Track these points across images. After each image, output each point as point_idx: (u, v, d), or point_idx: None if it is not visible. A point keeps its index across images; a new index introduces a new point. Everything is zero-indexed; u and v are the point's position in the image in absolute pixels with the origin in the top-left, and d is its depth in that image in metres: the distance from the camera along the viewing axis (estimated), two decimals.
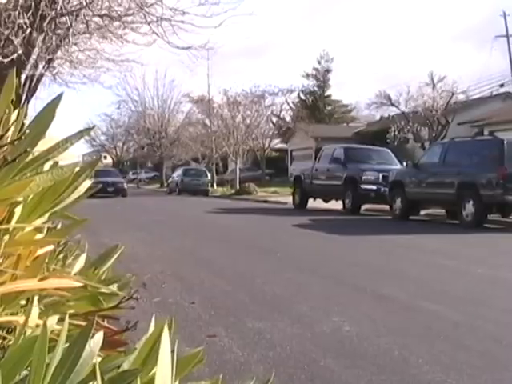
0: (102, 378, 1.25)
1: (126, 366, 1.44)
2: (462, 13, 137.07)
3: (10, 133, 1.56)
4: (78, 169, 1.62)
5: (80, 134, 1.61)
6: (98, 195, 35.04)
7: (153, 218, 22.57)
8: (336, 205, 25.94)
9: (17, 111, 1.69)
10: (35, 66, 15.18)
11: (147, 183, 77.03)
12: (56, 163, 1.65)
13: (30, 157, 1.55)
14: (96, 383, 1.20)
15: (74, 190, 1.63)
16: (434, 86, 43.68)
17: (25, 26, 12.99)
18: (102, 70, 20.15)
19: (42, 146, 1.59)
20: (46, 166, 1.61)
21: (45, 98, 19.59)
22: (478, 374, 5.26)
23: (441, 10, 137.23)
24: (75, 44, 17.00)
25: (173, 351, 1.28)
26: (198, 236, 16.28)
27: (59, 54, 17.02)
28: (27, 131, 1.53)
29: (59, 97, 1.62)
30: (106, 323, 1.73)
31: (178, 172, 51.50)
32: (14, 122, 1.60)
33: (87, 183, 1.70)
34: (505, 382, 5.09)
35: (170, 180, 53.44)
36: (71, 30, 14.52)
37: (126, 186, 45.06)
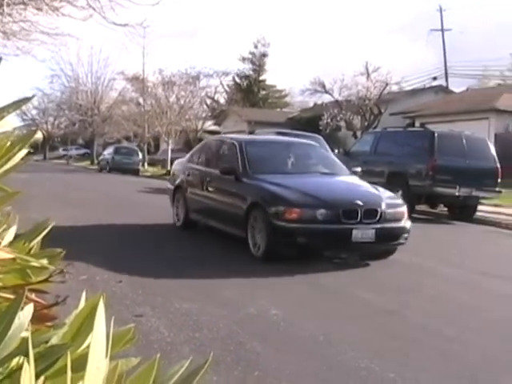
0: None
1: (54, 341, 1.41)
2: (397, 6, 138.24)
3: None
4: (12, 139, 1.58)
5: (18, 104, 1.57)
6: None
7: (83, 195, 22.20)
8: None
9: None
10: None
11: (77, 160, 75.90)
12: None
13: None
14: (26, 357, 1.18)
15: (7, 160, 1.59)
16: (368, 75, 44.18)
17: None
18: (36, 43, 19.81)
19: None
20: None
21: None
22: (403, 360, 5.37)
23: (378, 2, 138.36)
24: (9, 15, 16.65)
25: (107, 326, 1.26)
26: (129, 215, 16.13)
27: None
28: None
29: None
30: (34, 297, 1.69)
31: (110, 150, 50.68)
32: None
33: (22, 153, 1.66)
34: (428, 368, 5.19)
35: (101, 158, 52.57)
36: None
37: None
